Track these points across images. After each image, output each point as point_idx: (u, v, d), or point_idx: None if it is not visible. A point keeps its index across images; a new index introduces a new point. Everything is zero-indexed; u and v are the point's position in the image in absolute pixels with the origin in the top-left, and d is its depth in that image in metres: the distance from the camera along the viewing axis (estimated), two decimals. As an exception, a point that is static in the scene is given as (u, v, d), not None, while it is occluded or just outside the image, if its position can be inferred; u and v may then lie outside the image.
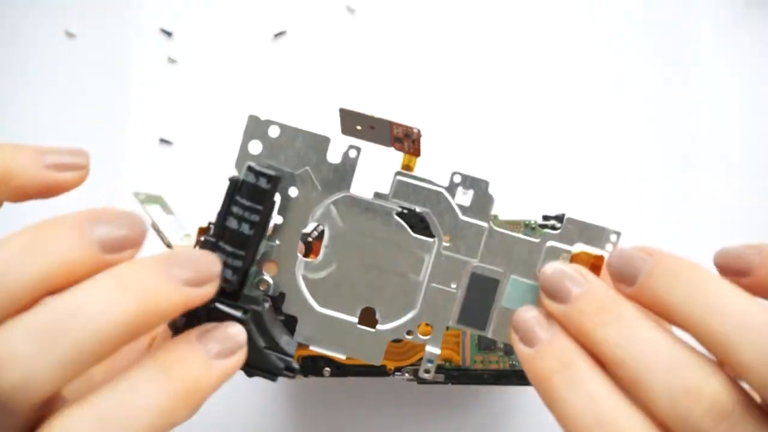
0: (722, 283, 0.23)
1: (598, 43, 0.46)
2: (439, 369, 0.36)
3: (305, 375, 0.36)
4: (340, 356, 0.28)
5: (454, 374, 0.36)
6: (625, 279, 0.25)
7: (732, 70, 0.45)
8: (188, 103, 0.46)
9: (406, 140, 0.27)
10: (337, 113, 0.28)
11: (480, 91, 0.46)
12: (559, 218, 0.37)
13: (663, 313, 0.24)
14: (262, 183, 0.26)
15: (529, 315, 0.26)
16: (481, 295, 0.28)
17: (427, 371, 0.28)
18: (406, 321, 0.28)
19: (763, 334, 0.22)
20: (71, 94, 0.45)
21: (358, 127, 0.27)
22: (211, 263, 0.24)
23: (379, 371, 0.35)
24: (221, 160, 0.45)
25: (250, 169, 0.26)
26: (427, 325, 0.28)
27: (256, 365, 0.27)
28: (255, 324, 0.27)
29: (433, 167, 0.44)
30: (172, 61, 0.46)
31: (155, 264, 0.23)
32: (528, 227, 0.37)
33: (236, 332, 0.25)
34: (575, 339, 0.25)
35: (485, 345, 0.36)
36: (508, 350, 0.36)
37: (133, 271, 0.22)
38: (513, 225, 0.37)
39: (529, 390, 0.43)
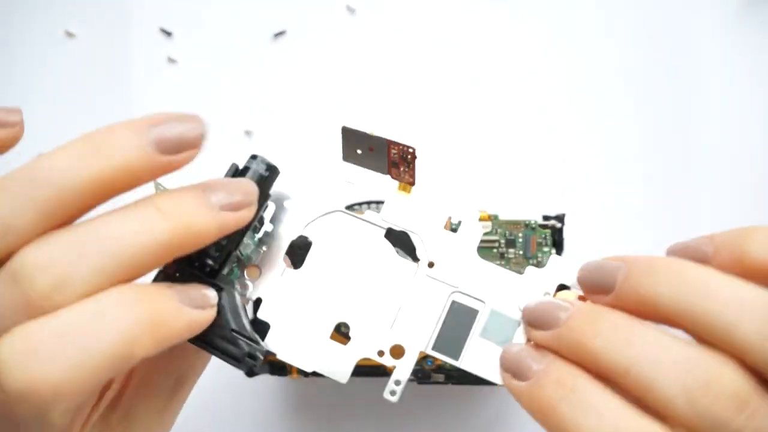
0: (703, 268, 0.23)
1: (598, 44, 0.46)
2: (439, 369, 0.36)
3: (305, 375, 0.36)
4: (307, 369, 0.27)
5: (454, 374, 0.36)
6: (601, 288, 0.25)
7: (732, 70, 0.45)
8: (188, 103, 0.46)
9: (402, 164, 0.27)
10: (339, 128, 0.29)
11: (480, 90, 0.46)
12: (560, 218, 0.37)
13: (650, 313, 0.23)
14: (261, 169, 0.26)
15: (516, 348, 0.26)
16: (458, 324, 0.27)
17: (392, 393, 0.27)
18: (379, 341, 0.27)
19: (759, 308, 0.22)
20: (71, 94, 0.45)
21: (359, 151, 0.28)
22: (249, 191, 0.25)
23: (379, 371, 0.35)
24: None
25: (253, 156, 0.26)
26: (400, 347, 0.27)
27: (220, 346, 0.26)
28: (227, 305, 0.26)
29: (434, 166, 0.45)
30: (172, 61, 0.46)
31: (192, 191, 0.24)
32: (528, 227, 0.37)
33: (210, 294, 0.25)
34: (572, 361, 0.24)
35: (485, 345, 0.36)
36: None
37: (170, 198, 0.23)
38: (513, 225, 0.37)
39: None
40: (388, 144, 0.27)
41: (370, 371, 0.35)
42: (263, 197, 0.27)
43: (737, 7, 0.46)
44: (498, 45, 0.46)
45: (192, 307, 0.24)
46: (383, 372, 0.35)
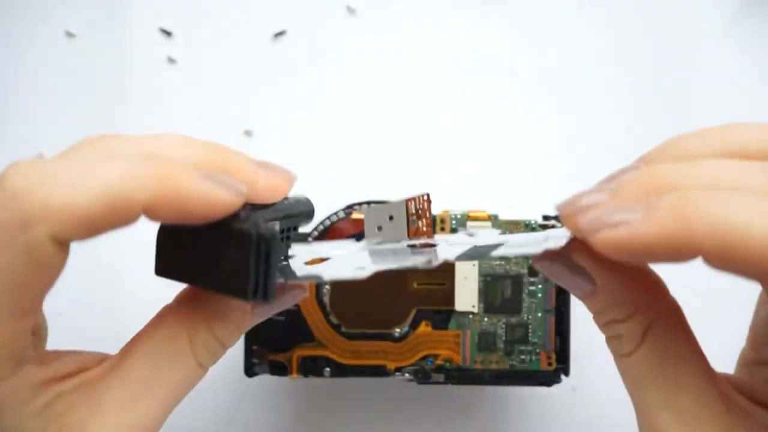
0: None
1: (598, 44, 0.46)
2: (439, 369, 0.36)
3: (305, 375, 0.36)
4: (324, 278, 0.27)
5: (454, 374, 0.36)
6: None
7: (732, 70, 0.45)
8: (188, 103, 0.46)
9: (420, 217, 0.29)
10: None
11: (481, 89, 0.46)
12: (560, 218, 0.37)
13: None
14: (302, 197, 0.29)
15: (599, 208, 0.23)
16: (482, 249, 0.28)
17: (429, 261, 0.27)
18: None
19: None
20: (71, 94, 0.45)
21: (377, 228, 0.30)
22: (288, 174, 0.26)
23: (379, 371, 0.35)
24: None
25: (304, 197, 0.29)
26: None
27: (237, 225, 0.24)
28: (255, 214, 0.25)
29: (436, 166, 0.45)
30: (172, 61, 0.46)
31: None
32: (528, 227, 0.37)
33: (236, 182, 0.24)
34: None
35: (485, 345, 0.36)
36: (508, 350, 0.36)
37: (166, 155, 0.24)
38: (513, 225, 0.37)
39: (528, 390, 0.43)
40: (406, 201, 0.29)
41: (370, 371, 0.35)
42: (303, 221, 0.28)
43: (737, 7, 0.46)
44: (498, 45, 0.46)
45: (211, 182, 0.23)
46: (383, 372, 0.35)
